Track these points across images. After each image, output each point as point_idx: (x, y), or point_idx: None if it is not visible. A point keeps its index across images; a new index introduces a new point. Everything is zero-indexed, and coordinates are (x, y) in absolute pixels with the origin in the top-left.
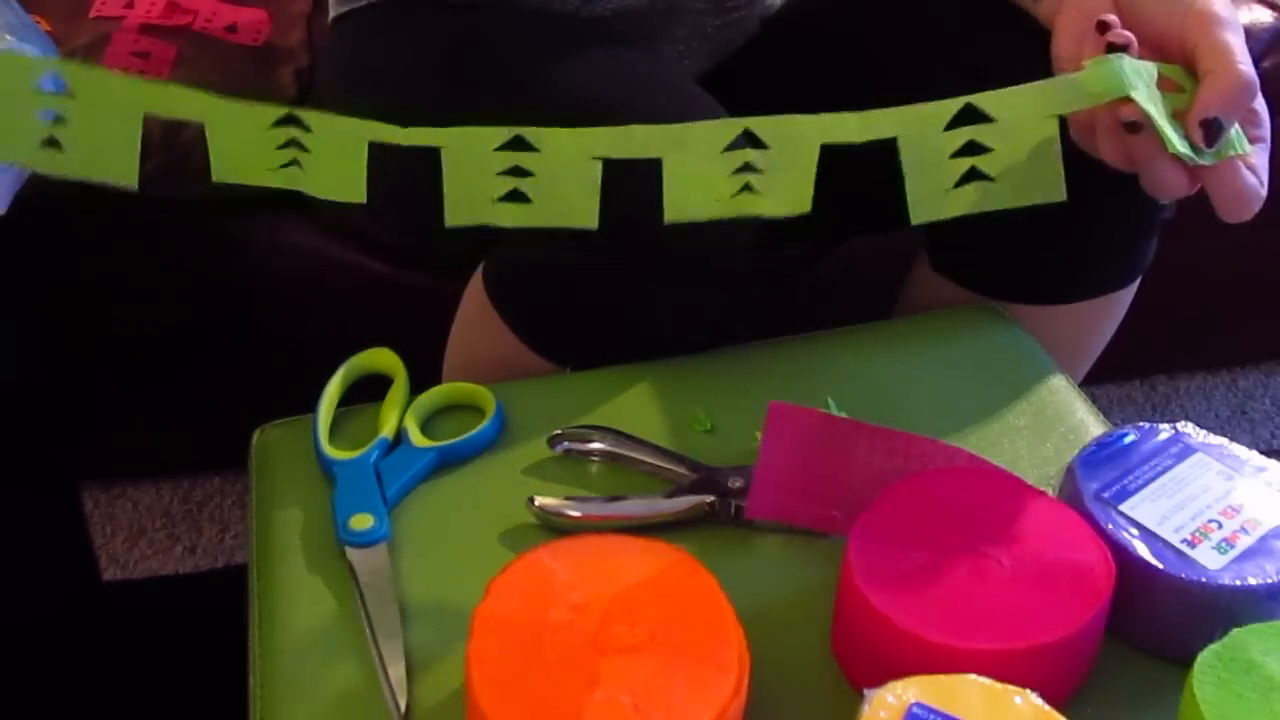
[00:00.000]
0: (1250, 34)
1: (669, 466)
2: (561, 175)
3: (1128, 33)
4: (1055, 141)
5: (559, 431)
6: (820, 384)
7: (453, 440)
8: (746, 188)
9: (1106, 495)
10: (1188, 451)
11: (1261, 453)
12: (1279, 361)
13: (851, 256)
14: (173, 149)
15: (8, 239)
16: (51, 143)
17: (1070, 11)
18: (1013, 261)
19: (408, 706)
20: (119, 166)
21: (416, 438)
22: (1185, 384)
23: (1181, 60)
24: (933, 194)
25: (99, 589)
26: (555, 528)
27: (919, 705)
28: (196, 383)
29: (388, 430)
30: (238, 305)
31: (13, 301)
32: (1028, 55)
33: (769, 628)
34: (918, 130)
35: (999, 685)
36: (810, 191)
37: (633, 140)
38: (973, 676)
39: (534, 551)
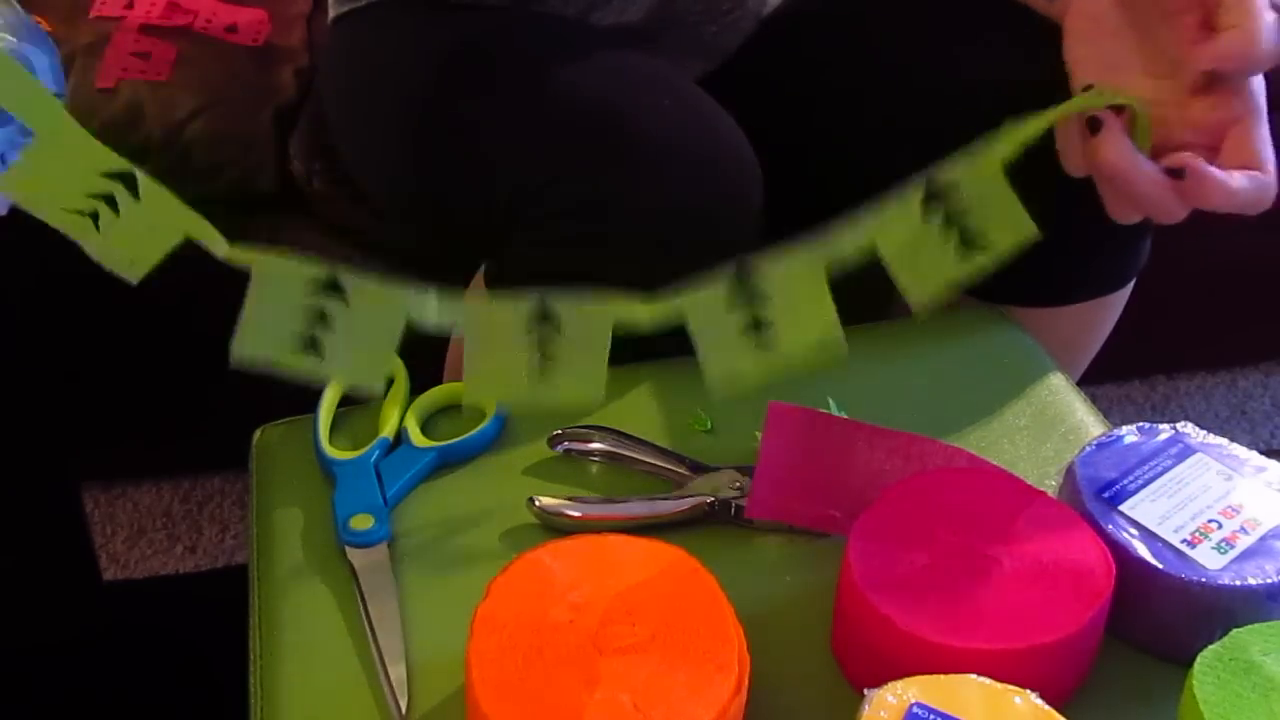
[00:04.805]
0: None
1: (669, 466)
2: (360, 331)
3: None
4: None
5: (559, 431)
6: (820, 384)
7: (453, 440)
8: (541, 373)
9: (1106, 495)
10: (1188, 451)
11: (1261, 453)
12: (1279, 361)
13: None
14: (173, 149)
15: (7, 239)
16: (91, 216)
17: (1075, 17)
18: (1007, 265)
19: (408, 706)
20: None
21: (417, 438)
22: (1185, 384)
23: (1200, 11)
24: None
25: (99, 589)
26: (555, 528)
27: (919, 705)
28: (196, 383)
29: (388, 430)
30: (238, 305)
31: (12, 302)
32: (1026, 53)
33: (769, 628)
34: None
35: (999, 685)
36: (603, 380)
37: (429, 309)
38: (973, 676)
39: (534, 551)
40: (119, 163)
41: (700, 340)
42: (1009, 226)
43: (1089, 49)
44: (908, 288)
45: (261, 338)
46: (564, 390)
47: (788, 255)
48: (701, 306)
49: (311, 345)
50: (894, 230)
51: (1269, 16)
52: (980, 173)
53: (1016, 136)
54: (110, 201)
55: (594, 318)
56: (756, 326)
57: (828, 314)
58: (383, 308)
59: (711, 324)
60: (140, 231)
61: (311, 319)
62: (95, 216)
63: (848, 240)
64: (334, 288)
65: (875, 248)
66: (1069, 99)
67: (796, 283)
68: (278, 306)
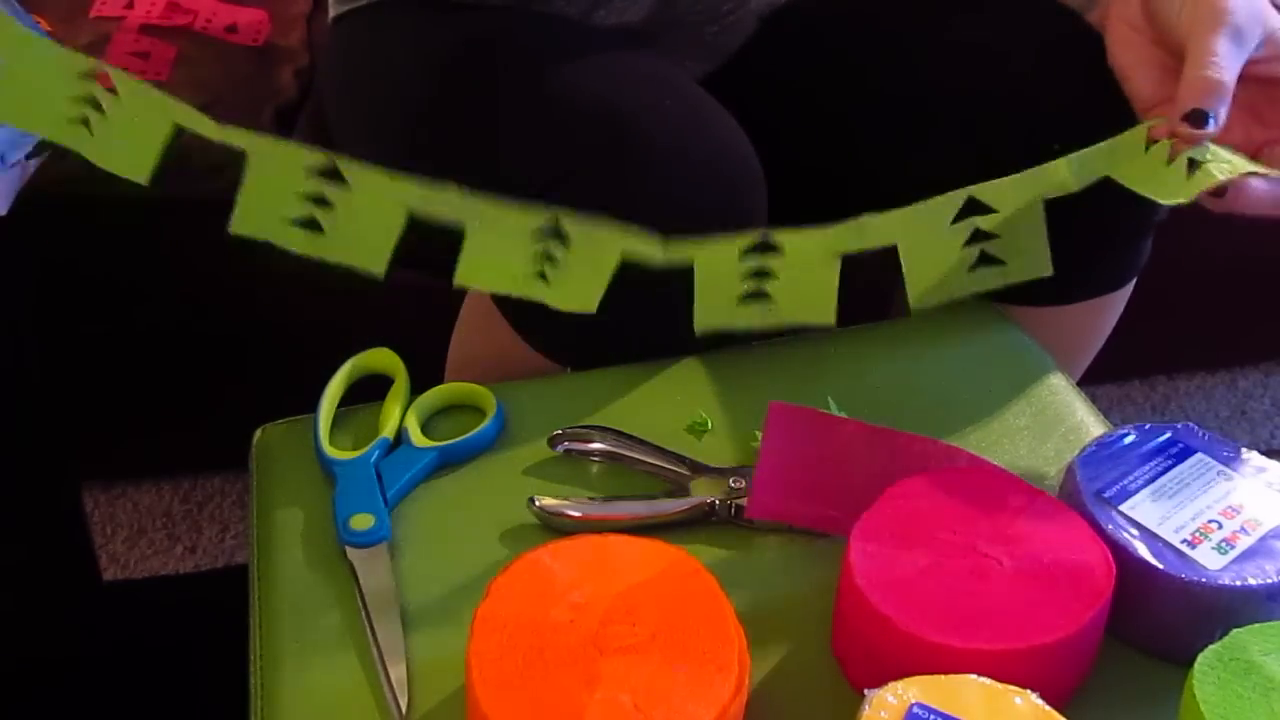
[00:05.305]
0: None
1: (669, 466)
2: (360, 215)
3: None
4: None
5: (559, 431)
6: (820, 384)
7: (453, 440)
8: (540, 275)
9: (1106, 495)
10: (1188, 451)
11: (1261, 453)
12: (1279, 361)
13: (851, 257)
14: (173, 149)
15: (6, 239)
16: (82, 123)
17: (1113, 21)
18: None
19: (408, 706)
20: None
21: (417, 438)
22: (1185, 384)
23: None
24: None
25: (99, 589)
26: (555, 528)
27: (919, 705)
28: (196, 383)
29: (388, 430)
30: (238, 305)
31: (11, 301)
32: (1036, 52)
33: (769, 628)
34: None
35: (999, 685)
36: (599, 294)
37: (439, 202)
38: (973, 676)
39: (534, 551)
40: (88, 62)
41: (701, 277)
42: (1029, 260)
43: (1135, 56)
44: (912, 286)
45: (259, 215)
46: (557, 294)
47: (809, 228)
48: (712, 250)
49: (311, 225)
50: (920, 229)
51: (1216, 64)
52: (1024, 200)
53: (1075, 171)
54: (95, 105)
55: (604, 239)
56: (759, 277)
57: (830, 286)
58: (385, 195)
59: (717, 266)
60: (130, 123)
61: (310, 200)
62: (86, 123)
63: (872, 227)
64: (333, 175)
65: (896, 240)
66: (1097, 106)
67: (810, 251)
68: (275, 187)
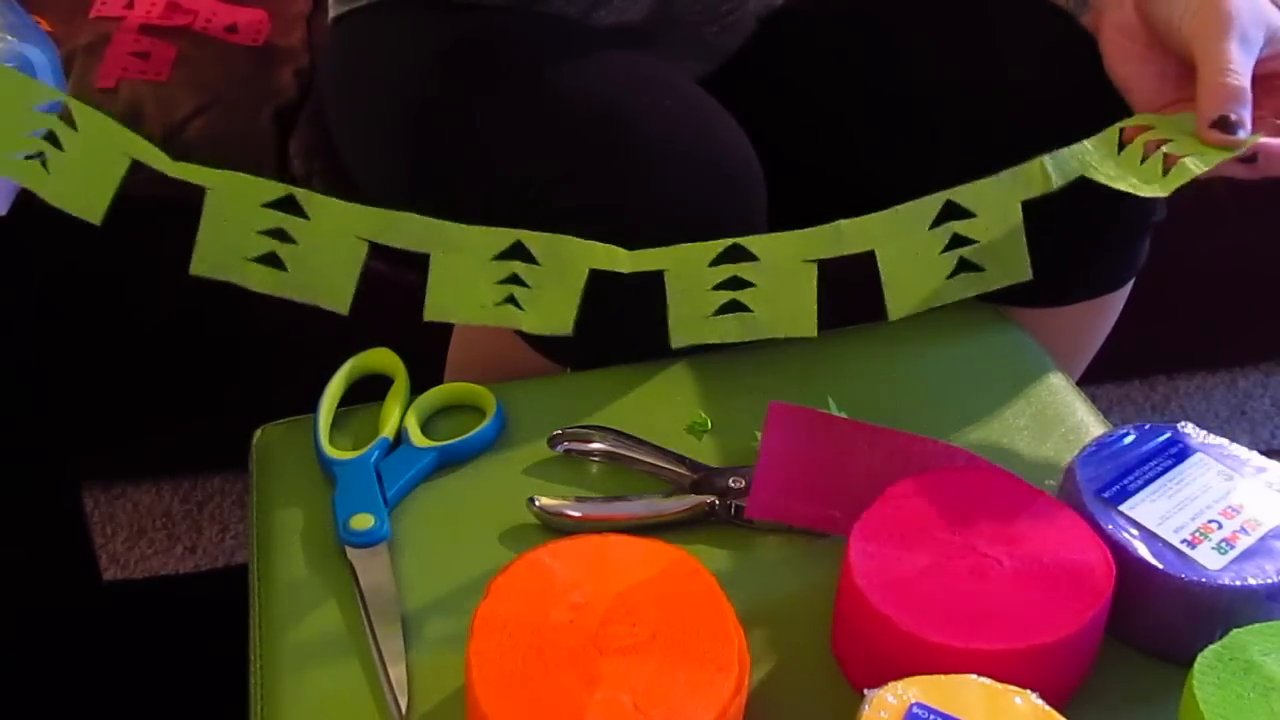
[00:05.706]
0: None
1: (669, 466)
2: (321, 248)
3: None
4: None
5: (559, 431)
6: (820, 384)
7: (453, 440)
8: (511, 299)
9: (1106, 495)
10: (1188, 451)
11: (1261, 453)
12: (1279, 361)
13: (851, 257)
14: (172, 149)
15: (6, 239)
16: (39, 160)
17: (1107, 31)
18: None
19: (408, 706)
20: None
21: (417, 438)
22: (1185, 384)
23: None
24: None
25: (99, 589)
26: (555, 528)
27: (919, 705)
28: (196, 383)
29: (388, 430)
30: (238, 305)
31: (12, 302)
32: (1033, 53)
33: (769, 628)
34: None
35: (999, 685)
36: (573, 314)
37: (400, 229)
38: (973, 676)
39: (534, 551)
40: (48, 93)
41: (673, 288)
42: (1008, 264)
43: (1135, 68)
44: (891, 295)
45: (219, 252)
46: (531, 319)
47: (785, 233)
48: (683, 258)
49: (271, 260)
50: (898, 236)
51: (1229, 69)
52: (1002, 203)
53: (1052, 171)
54: (52, 140)
55: (570, 253)
56: (735, 286)
57: (808, 294)
58: (345, 224)
59: (689, 275)
60: (86, 162)
61: (269, 234)
62: (43, 159)
63: (849, 232)
64: (291, 205)
65: (874, 247)
66: (1097, 105)
67: (785, 256)
68: (234, 222)
